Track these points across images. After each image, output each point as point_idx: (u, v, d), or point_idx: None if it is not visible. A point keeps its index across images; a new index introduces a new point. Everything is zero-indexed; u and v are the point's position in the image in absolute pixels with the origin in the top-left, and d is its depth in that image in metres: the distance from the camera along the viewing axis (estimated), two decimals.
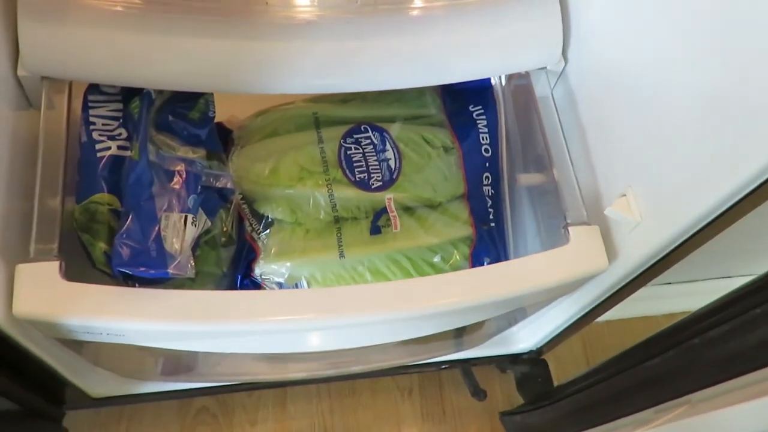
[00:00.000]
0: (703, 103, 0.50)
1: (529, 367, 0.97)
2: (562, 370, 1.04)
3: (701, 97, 0.50)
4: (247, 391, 0.99)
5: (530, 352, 0.95)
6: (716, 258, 1.00)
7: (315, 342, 0.71)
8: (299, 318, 0.57)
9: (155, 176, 0.56)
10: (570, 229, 0.61)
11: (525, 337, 0.94)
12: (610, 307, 0.73)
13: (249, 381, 0.93)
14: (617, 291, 0.68)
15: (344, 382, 1.03)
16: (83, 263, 0.58)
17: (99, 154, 0.59)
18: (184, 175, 0.59)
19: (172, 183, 0.58)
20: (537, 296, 0.65)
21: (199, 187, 0.60)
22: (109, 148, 0.59)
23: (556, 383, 0.96)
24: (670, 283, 1.08)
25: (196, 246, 0.59)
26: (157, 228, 0.54)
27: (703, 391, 0.50)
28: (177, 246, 0.55)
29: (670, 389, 0.55)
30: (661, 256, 0.59)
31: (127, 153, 0.59)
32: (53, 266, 0.52)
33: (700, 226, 0.53)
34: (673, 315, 1.05)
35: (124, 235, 0.53)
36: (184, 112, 0.63)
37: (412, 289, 0.60)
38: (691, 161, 0.52)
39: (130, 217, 0.54)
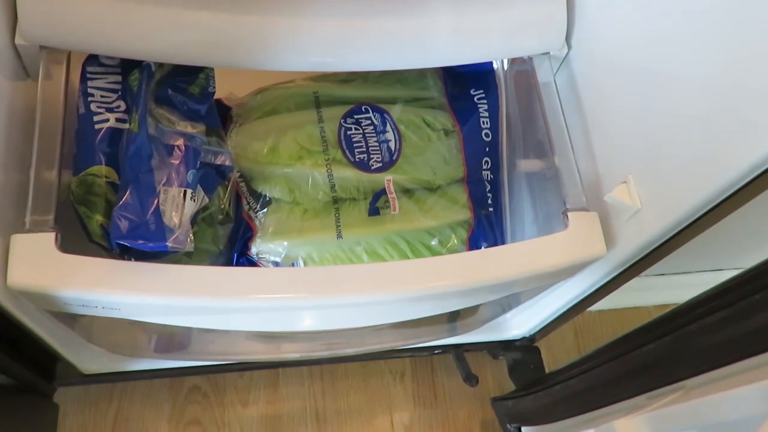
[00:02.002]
0: (706, 91, 0.49)
1: (522, 353, 0.97)
2: (553, 359, 1.05)
3: (704, 85, 0.50)
4: (240, 371, 0.99)
5: (523, 338, 0.96)
6: (710, 250, 1.01)
7: (309, 322, 0.71)
8: (294, 296, 0.57)
9: (155, 150, 0.56)
10: (569, 214, 0.62)
11: (518, 324, 0.94)
12: (604, 296, 0.73)
13: (242, 361, 0.93)
14: (612, 279, 0.68)
15: (337, 365, 1.03)
16: (78, 236, 0.57)
17: (97, 126, 0.58)
18: (183, 150, 0.58)
19: (172, 157, 0.57)
20: (534, 281, 0.65)
21: (199, 162, 0.59)
22: (107, 120, 0.59)
23: (547, 371, 0.96)
24: (663, 274, 1.09)
25: (193, 223, 0.59)
26: (156, 201, 0.54)
27: (698, 377, 0.50)
28: (176, 220, 0.54)
29: (664, 375, 0.55)
30: (658, 244, 0.59)
31: (125, 126, 0.58)
32: (49, 238, 0.51)
33: (699, 215, 0.53)
34: (665, 306, 1.06)
35: (123, 208, 0.53)
36: (184, 87, 0.62)
37: (408, 271, 0.60)
38: (692, 149, 0.52)
39: (129, 189, 0.53)
